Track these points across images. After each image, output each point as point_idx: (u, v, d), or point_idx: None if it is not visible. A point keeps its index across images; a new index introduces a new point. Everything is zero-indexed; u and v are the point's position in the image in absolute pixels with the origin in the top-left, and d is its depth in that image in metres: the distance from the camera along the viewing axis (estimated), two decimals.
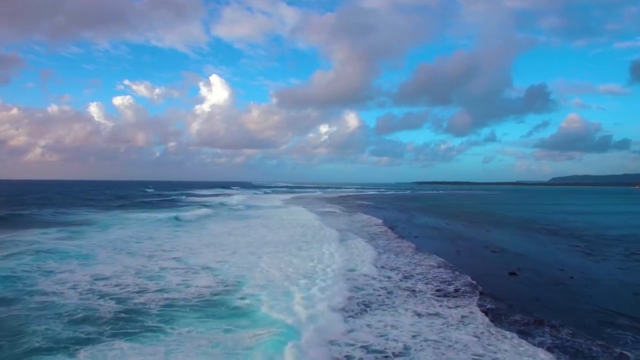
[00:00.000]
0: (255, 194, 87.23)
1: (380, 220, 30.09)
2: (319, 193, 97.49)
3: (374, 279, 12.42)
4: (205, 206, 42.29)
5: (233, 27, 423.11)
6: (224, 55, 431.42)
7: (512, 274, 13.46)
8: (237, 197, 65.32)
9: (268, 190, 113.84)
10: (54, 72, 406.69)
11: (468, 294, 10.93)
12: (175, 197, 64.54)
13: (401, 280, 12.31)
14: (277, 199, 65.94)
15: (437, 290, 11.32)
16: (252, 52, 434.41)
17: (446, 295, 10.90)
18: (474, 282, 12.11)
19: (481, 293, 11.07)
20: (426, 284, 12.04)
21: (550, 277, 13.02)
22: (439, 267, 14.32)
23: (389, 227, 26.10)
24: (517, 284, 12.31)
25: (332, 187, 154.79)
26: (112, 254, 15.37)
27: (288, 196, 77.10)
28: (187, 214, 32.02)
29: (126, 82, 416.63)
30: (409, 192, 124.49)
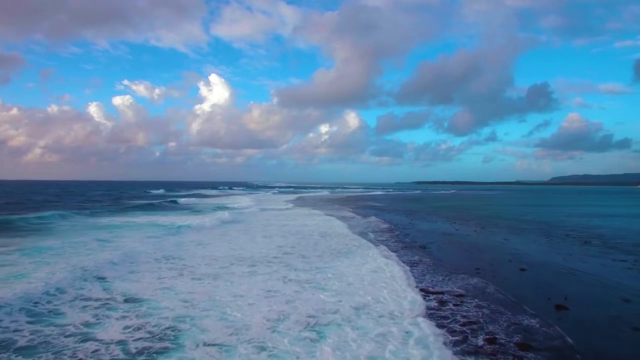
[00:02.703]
0: (264, 194, 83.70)
1: (387, 225, 26.89)
2: (326, 193, 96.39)
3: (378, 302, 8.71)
4: (219, 209, 38.97)
5: (233, 27, 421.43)
6: (223, 55, 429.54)
7: (561, 307, 9.74)
8: (244, 199, 61.76)
9: (274, 190, 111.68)
10: (54, 72, 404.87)
11: (510, 353, 7.20)
12: (175, 198, 58.05)
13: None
14: (287, 199, 62.33)
15: (461, 340, 7.62)
16: (252, 51, 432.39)
17: (477, 352, 7.19)
18: (514, 326, 8.41)
19: (527, 346, 7.37)
20: (441, 327, 8.32)
21: (617, 314, 9.30)
22: (459, 295, 10.61)
23: (397, 233, 22.58)
24: (575, 327, 8.56)
25: (338, 187, 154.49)
26: (42, 267, 11.92)
27: (296, 196, 74.38)
28: (204, 219, 28.24)
29: (126, 82, 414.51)
30: (418, 192, 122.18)
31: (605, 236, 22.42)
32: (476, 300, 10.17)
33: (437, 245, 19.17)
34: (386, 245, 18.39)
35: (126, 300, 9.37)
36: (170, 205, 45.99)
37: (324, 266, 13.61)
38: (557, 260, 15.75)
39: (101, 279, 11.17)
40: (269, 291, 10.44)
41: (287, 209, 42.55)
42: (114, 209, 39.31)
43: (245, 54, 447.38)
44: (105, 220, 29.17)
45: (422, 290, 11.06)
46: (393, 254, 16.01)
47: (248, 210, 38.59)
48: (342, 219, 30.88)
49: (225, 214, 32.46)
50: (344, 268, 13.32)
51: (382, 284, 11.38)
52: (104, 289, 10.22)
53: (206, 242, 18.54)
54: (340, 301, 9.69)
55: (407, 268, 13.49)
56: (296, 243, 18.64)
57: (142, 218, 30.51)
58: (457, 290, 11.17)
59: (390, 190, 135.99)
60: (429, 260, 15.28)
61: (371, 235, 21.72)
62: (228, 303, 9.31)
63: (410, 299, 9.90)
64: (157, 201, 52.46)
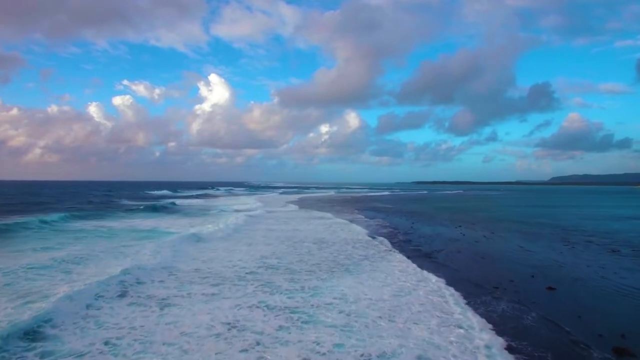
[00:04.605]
0: (269, 195, 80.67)
1: (394, 229, 24.83)
2: (332, 193, 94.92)
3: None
4: (222, 211, 36.14)
5: (233, 27, 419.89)
6: (223, 55, 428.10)
7: (624, 352, 7.19)
8: (247, 199, 58.64)
9: (280, 190, 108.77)
10: (54, 72, 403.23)
11: None
12: (174, 200, 52.91)
13: None
14: (294, 200, 59.37)
15: None
16: (252, 51, 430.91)
17: None
18: None
19: None
20: None
21: None
22: (479, 329, 8.07)
23: (401, 239, 20.05)
24: None
25: (343, 188, 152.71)
26: None
27: (302, 197, 72.25)
28: (199, 224, 25.45)
29: (126, 82, 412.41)
30: (424, 192, 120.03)
31: (633, 243, 19.89)
32: (506, 338, 7.63)
33: (446, 254, 16.68)
34: (399, 254, 15.99)
35: (25, 335, 6.80)
36: (169, 208, 41.59)
37: (321, 285, 10.98)
38: (588, 275, 13.23)
39: (21, 298, 8.63)
40: (234, 327, 7.85)
41: (291, 210, 39.71)
42: (106, 212, 35.94)
43: (245, 54, 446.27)
44: (81, 224, 26.66)
45: (432, 329, 8.51)
46: (417, 267, 13.51)
47: (254, 213, 34.37)
48: (353, 222, 28.26)
49: (228, 217, 29.36)
50: (348, 288, 10.68)
51: (408, 314, 8.63)
52: (6, 316, 7.64)
53: (184, 251, 15.98)
54: (344, 344, 7.01)
55: (445, 286, 10.96)
56: (280, 251, 16.14)
57: (128, 222, 28.03)
58: (476, 323, 8.61)
59: (397, 190, 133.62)
60: (439, 274, 12.74)
61: (386, 242, 19.24)
62: (168, 346, 6.77)
63: (462, 346, 7.10)
64: (153, 203, 47.30)
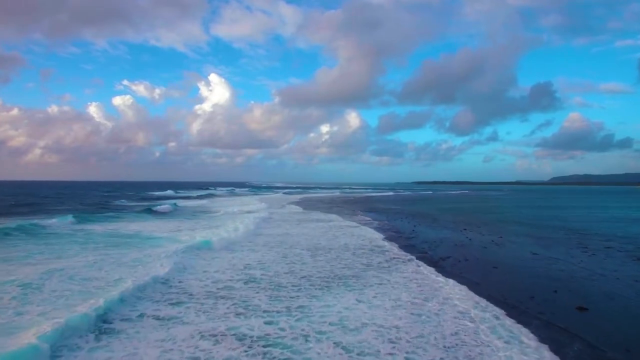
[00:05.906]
0: (273, 195, 78.66)
1: (392, 233, 22.46)
2: (337, 193, 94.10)
3: None
4: (226, 213, 34.07)
5: (232, 27, 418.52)
6: (223, 55, 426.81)
7: None
8: (248, 200, 56.60)
9: (285, 190, 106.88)
10: (54, 72, 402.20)
11: None
12: (175, 201, 49.53)
13: None
14: (295, 200, 57.54)
15: None
16: (252, 51, 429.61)
17: None
18: None
19: None
20: None
21: None
22: None
23: (405, 246, 18.20)
24: None
25: (346, 188, 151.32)
26: None
27: (307, 197, 71.05)
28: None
29: (126, 82, 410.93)
30: (429, 192, 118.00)
31: None
32: None
33: (451, 263, 14.84)
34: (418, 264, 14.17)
35: None
36: (168, 210, 38.14)
37: (312, 304, 9.11)
38: (622, 291, 11.34)
39: None
40: None
41: (294, 212, 37.63)
42: (98, 214, 33.46)
43: (245, 54, 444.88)
44: (60, 229, 24.66)
45: None
46: (435, 281, 11.65)
47: (258, 215, 31.27)
48: (358, 224, 26.47)
49: (226, 220, 27.53)
50: (348, 309, 8.80)
51: (433, 350, 6.72)
52: None
53: (155, 259, 14.13)
54: None
55: (472, 305, 9.15)
56: (269, 259, 14.33)
57: (112, 225, 26.10)
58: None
59: (400, 190, 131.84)
60: (462, 289, 10.91)
61: (396, 247, 17.55)
62: None
63: None
64: (152, 204, 44.82)
